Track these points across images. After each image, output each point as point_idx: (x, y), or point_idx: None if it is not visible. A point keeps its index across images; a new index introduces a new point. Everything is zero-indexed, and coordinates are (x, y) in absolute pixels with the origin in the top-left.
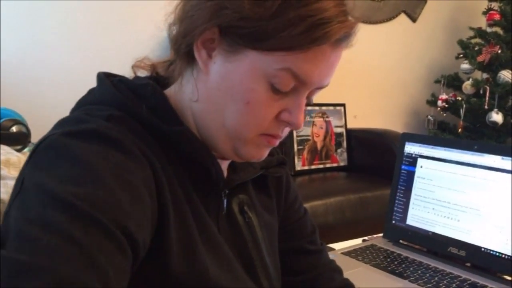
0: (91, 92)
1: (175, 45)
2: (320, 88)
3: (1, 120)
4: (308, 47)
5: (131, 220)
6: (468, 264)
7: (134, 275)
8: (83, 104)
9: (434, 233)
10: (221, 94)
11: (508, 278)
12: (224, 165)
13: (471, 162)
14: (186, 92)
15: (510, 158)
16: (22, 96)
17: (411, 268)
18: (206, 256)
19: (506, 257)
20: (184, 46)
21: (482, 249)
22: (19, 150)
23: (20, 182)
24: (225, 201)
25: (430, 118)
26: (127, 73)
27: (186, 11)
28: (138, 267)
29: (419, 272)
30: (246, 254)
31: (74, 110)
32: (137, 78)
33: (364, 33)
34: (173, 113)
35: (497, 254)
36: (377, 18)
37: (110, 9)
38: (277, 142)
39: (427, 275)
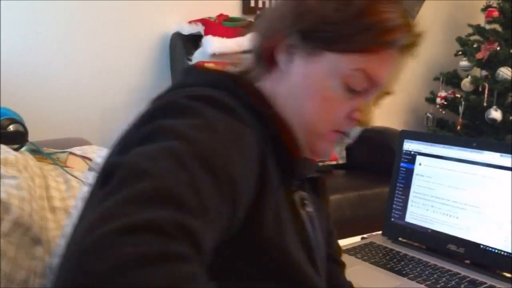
0: (188, 77)
1: (258, 50)
2: (387, 93)
3: None
4: (380, 50)
5: (238, 176)
6: (467, 261)
7: (233, 236)
8: (183, 86)
9: (433, 231)
10: (301, 92)
11: (507, 275)
12: None
13: (470, 159)
14: (268, 92)
15: (509, 155)
16: (19, 95)
17: (410, 266)
18: (288, 230)
19: (505, 254)
20: (267, 51)
21: (481, 246)
22: (16, 149)
23: (125, 138)
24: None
25: (429, 115)
26: (128, 72)
27: (269, 19)
28: (238, 227)
29: (418, 269)
30: (308, 245)
31: (169, 91)
32: None
33: None
34: (266, 100)
35: (496, 251)
36: None
37: (108, 9)
38: (346, 140)
39: (426, 272)
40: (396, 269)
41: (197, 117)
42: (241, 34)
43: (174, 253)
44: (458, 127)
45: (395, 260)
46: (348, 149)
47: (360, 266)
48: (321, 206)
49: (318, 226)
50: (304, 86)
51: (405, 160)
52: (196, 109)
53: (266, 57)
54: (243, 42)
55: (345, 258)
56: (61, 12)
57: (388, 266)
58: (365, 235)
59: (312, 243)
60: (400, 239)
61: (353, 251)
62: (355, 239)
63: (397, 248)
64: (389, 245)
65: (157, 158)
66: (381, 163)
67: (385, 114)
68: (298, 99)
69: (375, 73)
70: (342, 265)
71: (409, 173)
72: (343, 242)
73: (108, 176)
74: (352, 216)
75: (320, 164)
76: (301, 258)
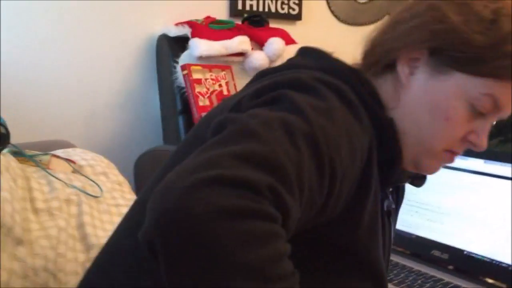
0: (305, 59)
1: (376, 55)
2: (500, 118)
3: None
4: None
5: (340, 173)
6: (451, 267)
7: (326, 231)
8: (299, 67)
9: (417, 236)
10: (421, 107)
11: (490, 281)
12: None
13: (455, 165)
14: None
15: (492, 162)
16: (1, 96)
17: (395, 271)
18: (379, 234)
19: (488, 260)
20: (387, 59)
21: (465, 252)
22: None
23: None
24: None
25: None
26: (113, 74)
27: (398, 28)
28: (334, 224)
29: (403, 275)
30: (385, 250)
31: (285, 69)
32: None
33: (350, 35)
34: (383, 105)
35: (480, 257)
36: (362, 20)
37: (94, 10)
38: (454, 160)
39: (410, 278)
40: None
41: (320, 99)
42: (231, 36)
43: (265, 212)
44: None
45: None
46: None
47: None
48: (396, 213)
49: (392, 237)
50: (426, 102)
51: None
52: (320, 91)
53: (385, 64)
54: (230, 45)
55: None
56: (44, 13)
57: None
58: None
59: (386, 252)
60: None
61: None
62: None
63: None
64: None
65: (271, 125)
66: None
67: None
68: (417, 114)
69: (503, 99)
70: None
71: None
72: None
73: (221, 128)
74: None
75: None
76: (382, 262)
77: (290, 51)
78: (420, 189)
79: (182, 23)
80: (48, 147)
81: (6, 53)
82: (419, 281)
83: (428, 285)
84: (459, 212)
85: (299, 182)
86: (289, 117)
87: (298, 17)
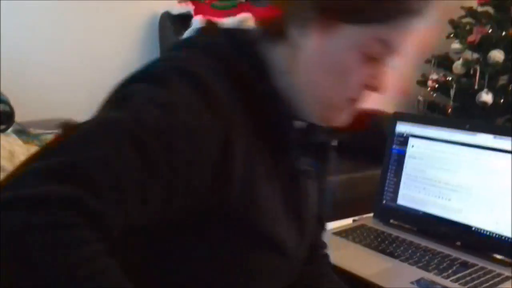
0: (195, 37)
1: (266, 21)
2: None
3: None
4: (399, 18)
5: (177, 158)
6: (458, 243)
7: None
8: (188, 46)
9: (424, 213)
10: (316, 66)
11: (498, 257)
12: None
13: (463, 141)
14: (275, 64)
15: (502, 137)
16: (5, 75)
17: (402, 248)
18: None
19: (496, 236)
20: (279, 25)
21: (473, 228)
22: (3, 130)
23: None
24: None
25: (420, 99)
26: (117, 52)
27: None
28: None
29: (410, 251)
30: (298, 213)
31: (175, 49)
32: (245, 31)
33: None
34: (268, 76)
35: (487, 233)
36: None
37: None
38: (357, 105)
39: (418, 254)
40: (387, 251)
41: (165, 92)
42: (231, 15)
43: (61, 222)
44: (449, 110)
45: (386, 242)
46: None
47: (352, 248)
48: (323, 171)
49: (316, 194)
50: (319, 61)
51: (398, 142)
52: (170, 83)
53: (275, 29)
54: (233, 22)
55: (336, 240)
56: None
57: (380, 248)
58: (356, 218)
59: (304, 213)
60: (391, 221)
61: (345, 233)
62: (347, 222)
63: (388, 230)
64: (381, 227)
65: (96, 130)
66: (372, 145)
67: (376, 97)
68: (314, 73)
69: (393, 41)
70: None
71: (402, 155)
72: (335, 225)
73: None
74: (343, 198)
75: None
76: (275, 230)
77: None
78: (428, 165)
79: (185, 1)
80: (51, 125)
81: (7, 31)
82: (427, 257)
83: (436, 261)
84: (467, 188)
85: (116, 184)
86: (123, 118)
87: None
